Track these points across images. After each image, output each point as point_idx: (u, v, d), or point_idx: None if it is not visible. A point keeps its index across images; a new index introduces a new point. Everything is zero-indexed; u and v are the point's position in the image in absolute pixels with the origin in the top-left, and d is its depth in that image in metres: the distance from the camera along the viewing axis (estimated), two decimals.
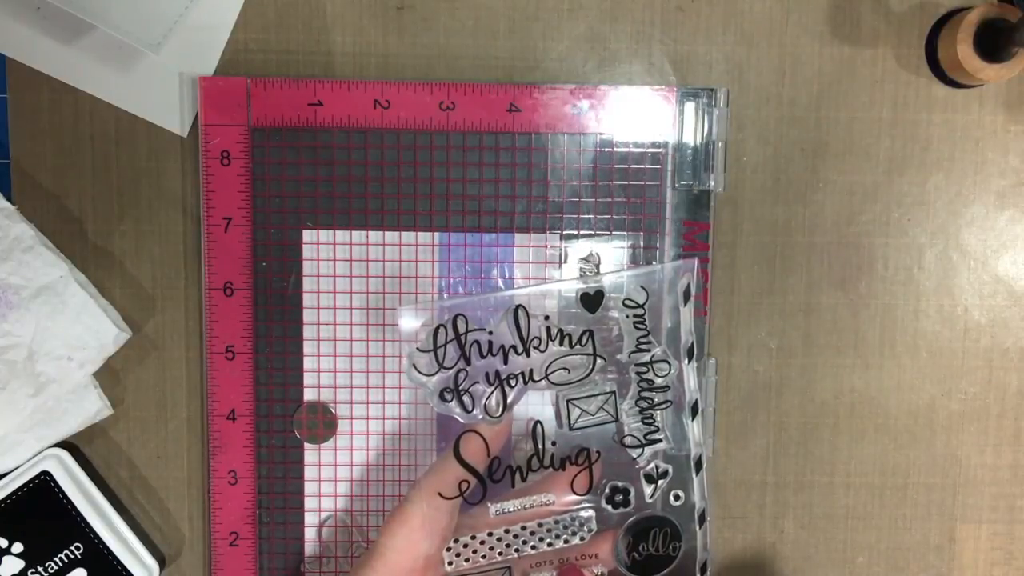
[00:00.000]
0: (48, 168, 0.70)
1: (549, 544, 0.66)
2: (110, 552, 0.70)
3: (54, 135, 0.70)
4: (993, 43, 0.67)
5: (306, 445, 0.72)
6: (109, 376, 0.72)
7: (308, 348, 0.71)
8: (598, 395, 0.66)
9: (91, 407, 0.70)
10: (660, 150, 0.70)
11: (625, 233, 0.70)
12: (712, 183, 0.70)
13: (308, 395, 0.71)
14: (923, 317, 0.72)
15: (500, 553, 0.65)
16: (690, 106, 0.70)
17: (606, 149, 0.70)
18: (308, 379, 0.71)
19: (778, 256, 0.72)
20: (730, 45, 0.71)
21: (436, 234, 0.70)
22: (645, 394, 0.66)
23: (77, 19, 0.66)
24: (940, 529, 0.74)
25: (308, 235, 0.70)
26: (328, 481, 0.72)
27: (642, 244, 0.70)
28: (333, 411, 0.71)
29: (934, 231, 0.72)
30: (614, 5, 0.70)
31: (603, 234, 0.70)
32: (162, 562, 0.73)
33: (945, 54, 0.69)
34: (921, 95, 0.71)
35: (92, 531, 0.70)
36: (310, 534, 0.72)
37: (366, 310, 0.71)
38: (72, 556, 0.70)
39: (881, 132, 0.71)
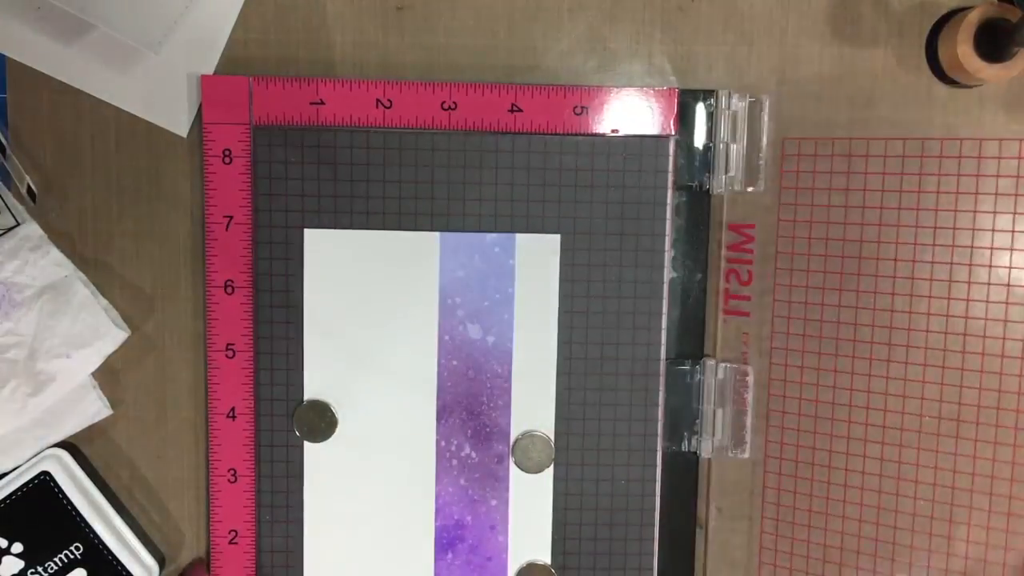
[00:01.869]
0: (48, 168, 0.70)
1: None
2: (110, 552, 0.70)
3: (54, 135, 0.70)
4: (993, 43, 0.67)
5: (306, 444, 0.72)
6: (109, 376, 0.72)
7: (308, 347, 0.71)
8: None
9: (90, 407, 0.70)
10: (661, 151, 0.70)
11: (626, 235, 0.71)
12: (713, 184, 0.70)
13: (308, 394, 0.71)
14: (924, 317, 0.72)
15: None
16: (691, 107, 0.70)
17: (607, 150, 0.70)
18: (308, 378, 0.71)
19: (779, 257, 0.72)
20: (730, 45, 0.71)
21: (437, 234, 0.70)
22: None
23: (77, 19, 0.66)
24: (940, 529, 0.74)
25: (309, 234, 0.70)
26: (328, 480, 0.72)
27: (643, 246, 0.71)
28: (333, 410, 0.71)
29: (934, 231, 0.72)
30: (614, 5, 0.70)
31: (603, 235, 0.71)
32: (162, 562, 0.73)
33: (945, 54, 0.69)
34: (921, 95, 0.71)
35: (92, 531, 0.70)
36: (310, 533, 0.73)
37: (367, 309, 0.71)
38: (72, 556, 0.70)
39: (881, 132, 0.71)
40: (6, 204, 0.68)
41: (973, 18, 0.67)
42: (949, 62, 0.69)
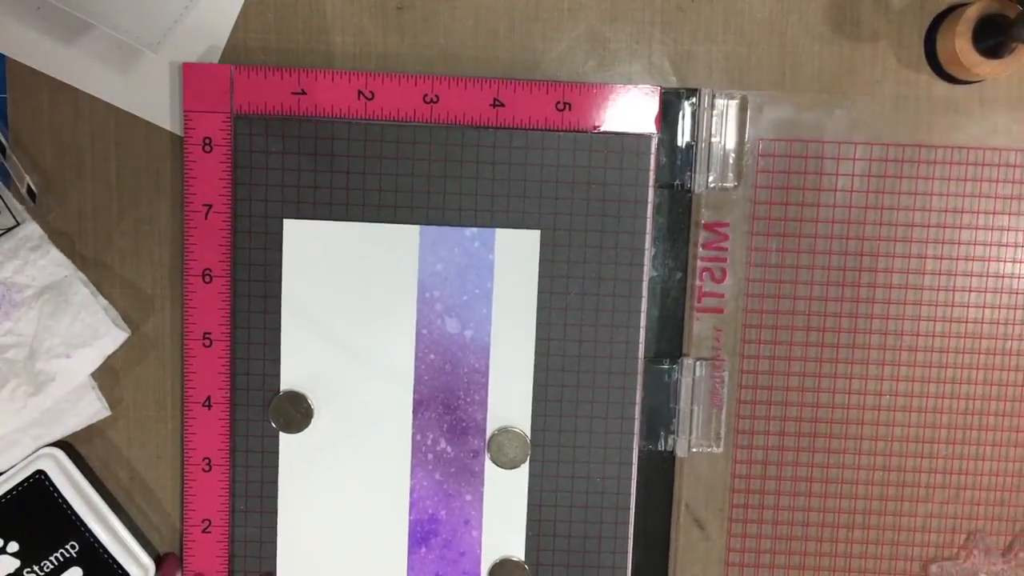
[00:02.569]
0: (48, 168, 0.71)
1: None
2: (106, 551, 0.70)
3: (54, 135, 0.71)
4: (991, 38, 0.67)
5: (282, 434, 0.72)
6: (108, 376, 0.72)
7: (286, 337, 0.71)
8: None
9: (89, 408, 0.71)
10: (643, 149, 0.70)
11: (606, 232, 0.70)
12: (695, 183, 0.69)
13: (285, 384, 0.71)
14: (923, 317, 0.72)
15: None
16: (674, 106, 0.70)
17: (589, 146, 0.70)
18: (285, 368, 0.71)
19: (778, 256, 0.71)
20: (730, 45, 0.71)
21: (417, 227, 0.70)
22: None
23: (77, 19, 0.67)
24: (941, 530, 0.73)
25: (289, 224, 0.70)
26: (303, 471, 0.72)
27: (623, 244, 0.70)
28: (309, 401, 0.71)
29: (934, 231, 0.71)
30: (614, 5, 0.70)
31: (584, 232, 0.70)
32: (158, 561, 0.72)
33: (943, 49, 0.69)
34: (921, 94, 0.71)
35: (88, 530, 0.70)
36: (284, 523, 0.72)
37: (345, 301, 0.71)
38: (68, 555, 0.70)
39: (881, 131, 0.71)
40: (6, 204, 0.68)
41: (971, 13, 0.67)
42: (947, 57, 0.69)
